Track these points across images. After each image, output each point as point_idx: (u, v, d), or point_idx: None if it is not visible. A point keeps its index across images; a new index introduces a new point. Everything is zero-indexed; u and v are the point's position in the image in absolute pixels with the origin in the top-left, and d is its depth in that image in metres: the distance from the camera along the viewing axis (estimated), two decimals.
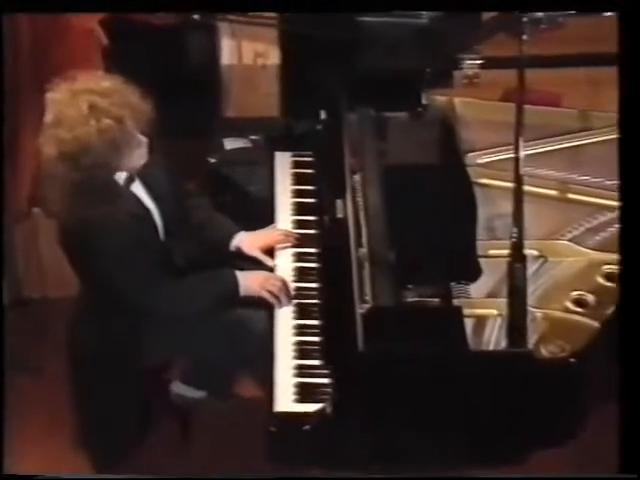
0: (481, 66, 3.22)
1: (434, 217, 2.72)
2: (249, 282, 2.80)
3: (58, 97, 2.58)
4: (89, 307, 2.84)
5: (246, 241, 2.93)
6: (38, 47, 3.47)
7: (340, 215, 2.85)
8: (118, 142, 2.56)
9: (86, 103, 2.54)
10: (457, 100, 3.16)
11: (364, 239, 2.70)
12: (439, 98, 3.16)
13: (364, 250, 2.67)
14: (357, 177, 2.90)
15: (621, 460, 2.05)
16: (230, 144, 3.81)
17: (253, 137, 3.78)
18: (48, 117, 2.58)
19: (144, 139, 2.64)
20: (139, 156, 2.66)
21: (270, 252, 2.94)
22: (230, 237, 2.93)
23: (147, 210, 2.77)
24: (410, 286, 2.55)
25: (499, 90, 3.17)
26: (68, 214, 2.61)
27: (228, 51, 3.98)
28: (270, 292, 2.78)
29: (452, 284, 2.60)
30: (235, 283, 2.80)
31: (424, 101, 3.11)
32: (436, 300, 2.55)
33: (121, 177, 2.70)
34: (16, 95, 3.47)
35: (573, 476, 2.17)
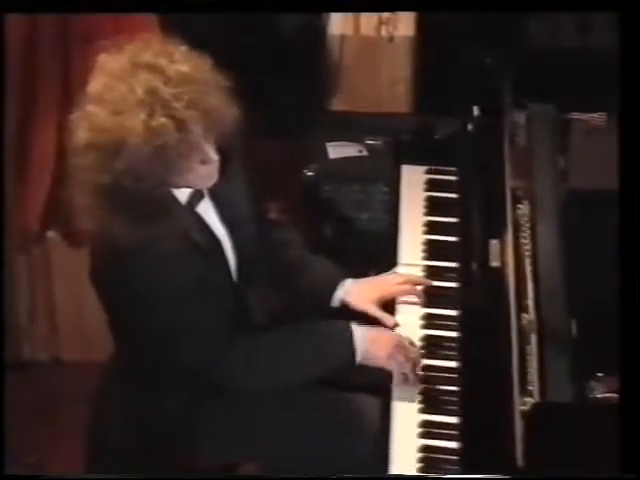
0: None
1: None
2: (375, 346, 2.78)
3: (111, 63, 2.60)
4: (123, 377, 2.89)
5: (355, 292, 2.96)
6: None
7: (495, 263, 2.87)
8: (169, 153, 2.55)
9: (144, 84, 2.55)
10: None
11: (530, 300, 2.69)
12: None
13: (530, 317, 2.66)
14: (523, 207, 2.91)
15: (621, 460, 2.30)
16: (336, 151, 3.83)
17: (370, 141, 3.81)
18: (92, 86, 2.59)
19: (215, 157, 2.65)
20: (204, 177, 2.68)
21: (389, 308, 2.95)
22: (332, 287, 2.97)
23: (216, 240, 2.81)
24: (599, 375, 2.53)
25: None
26: (101, 233, 2.63)
27: (339, 16, 4.01)
28: (400, 365, 2.75)
29: None
30: (350, 344, 2.77)
31: None
32: None
33: (184, 192, 2.74)
34: (28, 71, 3.54)
35: (573, 476, 2.38)
